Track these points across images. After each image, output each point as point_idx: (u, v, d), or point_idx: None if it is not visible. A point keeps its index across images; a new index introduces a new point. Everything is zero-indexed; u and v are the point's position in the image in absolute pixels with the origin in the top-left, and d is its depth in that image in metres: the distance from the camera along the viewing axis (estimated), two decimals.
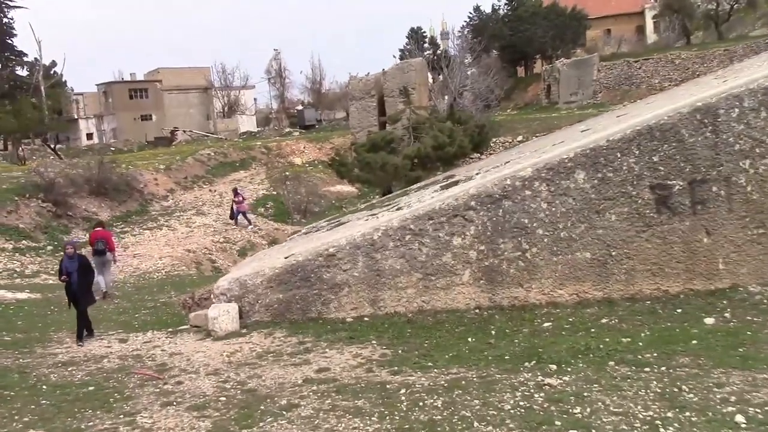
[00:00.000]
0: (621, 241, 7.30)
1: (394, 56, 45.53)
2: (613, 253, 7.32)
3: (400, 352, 6.59)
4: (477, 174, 8.70)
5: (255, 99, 58.26)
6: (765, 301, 6.89)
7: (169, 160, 26.18)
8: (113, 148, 38.49)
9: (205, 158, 27.31)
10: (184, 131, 43.60)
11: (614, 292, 7.37)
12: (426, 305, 7.67)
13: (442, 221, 7.60)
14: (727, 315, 6.65)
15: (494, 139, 25.65)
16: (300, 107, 55.15)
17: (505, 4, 52.16)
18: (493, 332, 6.96)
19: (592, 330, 6.70)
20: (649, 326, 6.61)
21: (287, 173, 25.14)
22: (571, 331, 6.72)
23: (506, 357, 6.17)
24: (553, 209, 7.40)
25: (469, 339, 6.82)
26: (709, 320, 6.57)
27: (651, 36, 51.20)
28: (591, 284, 7.41)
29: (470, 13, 56.36)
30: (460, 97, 29.70)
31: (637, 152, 7.22)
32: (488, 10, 55.07)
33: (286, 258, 7.97)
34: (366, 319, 7.74)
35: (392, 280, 7.70)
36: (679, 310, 6.94)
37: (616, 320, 6.90)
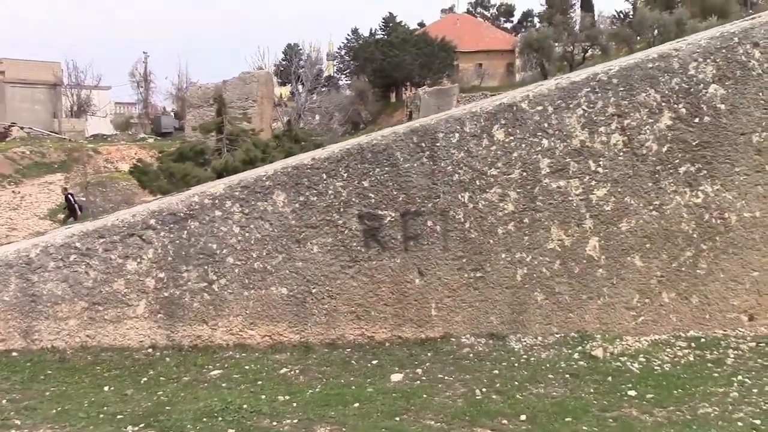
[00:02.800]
0: (323, 277, 6.18)
1: (262, 68, 44.08)
2: (314, 291, 6.19)
3: (10, 399, 5.11)
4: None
5: (113, 102, 54.90)
6: (471, 355, 5.96)
7: None
8: None
9: (17, 156, 24.61)
10: (22, 127, 39.94)
11: (312, 336, 6.23)
12: (91, 340, 6.25)
13: (115, 240, 6.21)
14: (419, 371, 5.66)
15: None
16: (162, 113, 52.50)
17: (381, 28, 52.31)
18: (143, 380, 5.61)
19: (259, 383, 5.52)
20: (325, 382, 5.50)
21: (89, 179, 22.95)
22: (234, 384, 5.51)
23: (120, 417, 4.82)
24: (247, 235, 6.19)
25: (106, 388, 5.43)
26: (397, 377, 5.56)
27: (520, 73, 52.64)
28: (287, 325, 6.24)
29: (348, 35, 56.16)
30: (306, 116, 28.64)
31: (345, 175, 6.15)
32: (366, 33, 55.10)
33: None
34: (14, 354, 6.20)
35: (51, 308, 6.22)
36: (375, 362, 5.90)
37: (298, 371, 5.76)
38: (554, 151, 6.20)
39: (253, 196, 6.21)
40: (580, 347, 6.06)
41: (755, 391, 4.95)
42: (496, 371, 5.58)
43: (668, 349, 5.98)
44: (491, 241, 6.24)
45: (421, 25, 59.23)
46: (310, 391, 5.30)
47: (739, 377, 5.24)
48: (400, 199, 6.21)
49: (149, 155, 27.99)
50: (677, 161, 6.15)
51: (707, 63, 6.10)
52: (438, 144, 6.19)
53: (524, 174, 6.21)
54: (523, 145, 6.21)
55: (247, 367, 5.85)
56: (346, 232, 6.20)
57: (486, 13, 66.39)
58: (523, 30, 58.16)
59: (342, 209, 6.19)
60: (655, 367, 5.58)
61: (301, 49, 57.65)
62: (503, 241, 6.24)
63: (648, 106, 6.14)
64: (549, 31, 41.98)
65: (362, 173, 6.20)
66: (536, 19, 59.26)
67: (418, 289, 6.26)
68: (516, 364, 5.73)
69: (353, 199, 6.20)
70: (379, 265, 6.23)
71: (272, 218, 6.21)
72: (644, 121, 6.15)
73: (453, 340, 6.27)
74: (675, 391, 5.03)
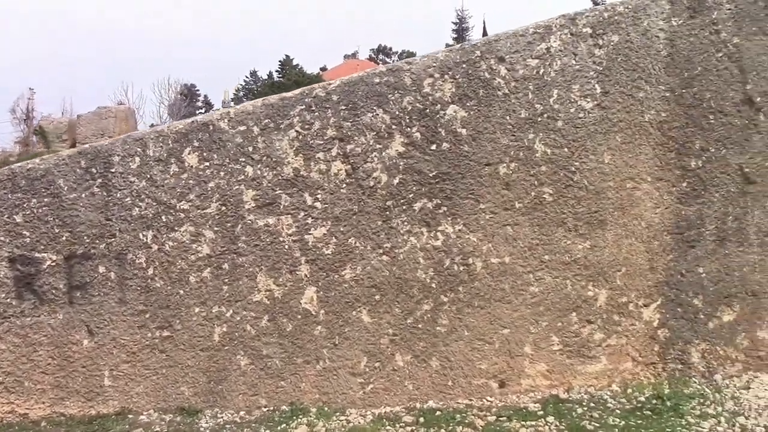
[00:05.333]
0: None
1: (123, 103, 42.08)
2: None
3: None
4: None
5: None
6: None
7: None
8: None
9: None
10: None
11: None
12: None
13: None
14: None
15: None
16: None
17: (277, 71, 51.68)
18: None
19: None
20: None
21: None
22: None
23: None
24: None
25: None
26: None
27: None
28: None
29: (246, 77, 55.20)
30: None
31: None
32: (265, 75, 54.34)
33: None
34: None
35: None
36: None
37: None
38: (261, 181, 5.00)
39: None
40: (284, 425, 4.78)
41: None
42: None
43: (389, 427, 4.76)
44: (182, 291, 4.95)
45: (323, 69, 58.74)
46: None
47: None
48: (64, 238, 4.87)
49: None
50: (412, 196, 5.05)
51: (445, 80, 5.05)
52: (113, 170, 4.89)
53: (223, 208, 4.98)
54: (222, 173, 4.99)
55: None
56: None
57: (388, 60, 66.52)
58: None
59: None
60: None
61: (197, 90, 55.84)
62: (197, 292, 4.96)
63: (375, 129, 5.03)
64: None
65: (14, 205, 4.83)
66: None
67: (87, 352, 4.90)
68: None
69: (2, 239, 4.81)
70: (36, 323, 4.85)
71: None
72: (371, 146, 5.03)
73: (130, 417, 4.92)
74: None
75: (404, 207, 5.09)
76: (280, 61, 54.75)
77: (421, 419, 4.90)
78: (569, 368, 5.27)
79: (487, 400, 5.21)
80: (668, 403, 4.95)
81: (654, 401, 5.01)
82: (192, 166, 5.01)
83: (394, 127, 5.09)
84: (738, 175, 5.32)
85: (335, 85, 5.09)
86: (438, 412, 5.02)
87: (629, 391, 5.22)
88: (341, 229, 5.06)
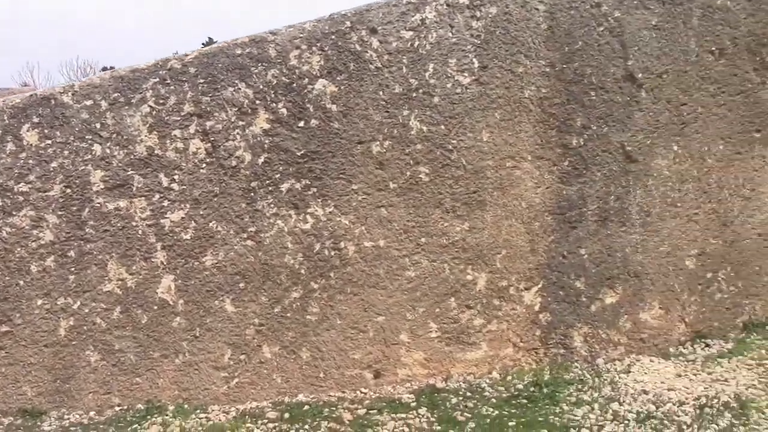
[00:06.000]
0: None
1: (27, 84, 40.40)
2: None
3: None
4: None
5: None
6: None
7: None
8: None
9: None
10: None
11: None
12: None
13: None
14: None
15: None
16: None
17: None
18: None
19: None
20: None
21: None
22: None
23: None
24: None
25: None
26: None
27: None
28: None
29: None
30: None
31: None
32: None
33: None
34: None
35: None
36: None
37: None
38: (111, 161, 4.57)
39: None
40: (136, 425, 4.39)
41: None
42: None
43: (249, 424, 4.43)
44: (21, 282, 4.50)
45: None
46: None
47: None
48: None
49: None
50: (278, 176, 4.69)
51: (313, 52, 4.70)
52: None
53: (68, 191, 4.54)
54: (67, 152, 4.54)
55: None
56: None
57: None
58: None
59: None
60: None
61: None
62: (39, 283, 4.52)
63: (237, 104, 4.64)
64: None
65: None
66: None
67: None
68: None
69: None
70: None
71: None
72: (233, 123, 4.65)
73: None
74: None
75: (270, 188, 4.74)
76: (203, 44, 53.49)
77: (287, 414, 4.60)
78: (448, 356, 5.04)
79: (361, 392, 4.94)
80: (545, 390, 4.77)
81: (532, 389, 4.83)
82: (32, 145, 4.55)
83: (258, 102, 4.72)
84: (620, 153, 5.16)
85: (192, 56, 4.69)
86: (306, 407, 4.72)
87: (509, 378, 5.02)
88: (201, 212, 4.68)
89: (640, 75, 5.13)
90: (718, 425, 4.14)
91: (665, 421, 4.27)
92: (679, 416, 4.30)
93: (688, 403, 4.47)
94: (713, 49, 5.26)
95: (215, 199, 4.71)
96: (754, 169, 5.42)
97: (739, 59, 5.31)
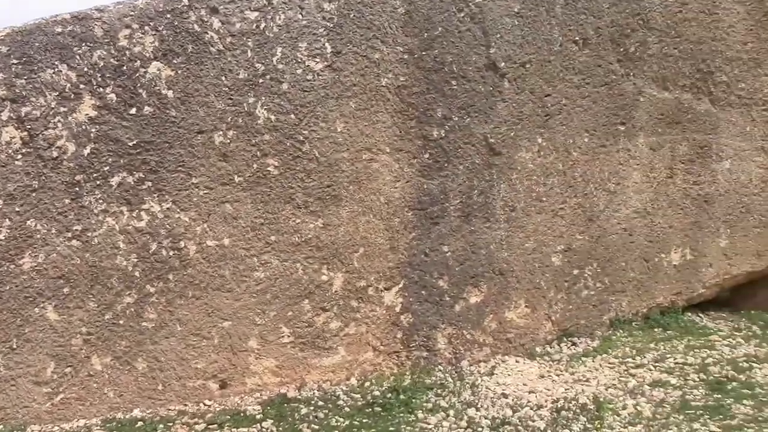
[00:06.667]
0: None
1: None
2: None
3: None
4: None
5: None
6: None
7: None
8: None
9: None
10: None
11: None
12: None
13: None
14: None
15: None
16: None
17: None
18: None
19: None
20: None
21: None
22: None
23: None
24: None
25: None
26: None
27: None
28: None
29: None
30: None
31: None
32: None
33: None
34: None
35: None
36: None
37: None
38: None
39: None
40: None
41: None
42: None
43: None
44: None
45: None
46: None
47: None
48: None
49: None
50: (107, 169, 4.21)
51: (146, 32, 4.24)
52: None
53: None
54: None
55: None
56: None
57: None
58: None
59: None
60: None
61: None
62: None
63: (58, 88, 4.14)
64: None
65: None
66: None
67: None
68: None
69: None
70: None
71: None
72: (53, 109, 4.14)
73: None
74: None
75: (98, 182, 4.26)
76: None
77: None
78: (302, 362, 4.69)
79: (205, 405, 4.52)
80: (402, 397, 4.48)
81: (389, 395, 4.53)
82: None
83: (82, 86, 4.23)
84: (483, 145, 4.92)
85: (4, 33, 4.16)
86: (140, 423, 4.25)
87: (367, 384, 4.71)
88: (17, 209, 4.16)
89: (502, 64, 4.91)
90: (571, 430, 3.94)
91: (519, 428, 4.05)
92: (534, 421, 4.10)
93: (545, 407, 4.28)
94: (577, 38, 5.10)
95: (33, 195, 4.20)
96: (619, 163, 5.30)
97: (603, 50, 5.17)
